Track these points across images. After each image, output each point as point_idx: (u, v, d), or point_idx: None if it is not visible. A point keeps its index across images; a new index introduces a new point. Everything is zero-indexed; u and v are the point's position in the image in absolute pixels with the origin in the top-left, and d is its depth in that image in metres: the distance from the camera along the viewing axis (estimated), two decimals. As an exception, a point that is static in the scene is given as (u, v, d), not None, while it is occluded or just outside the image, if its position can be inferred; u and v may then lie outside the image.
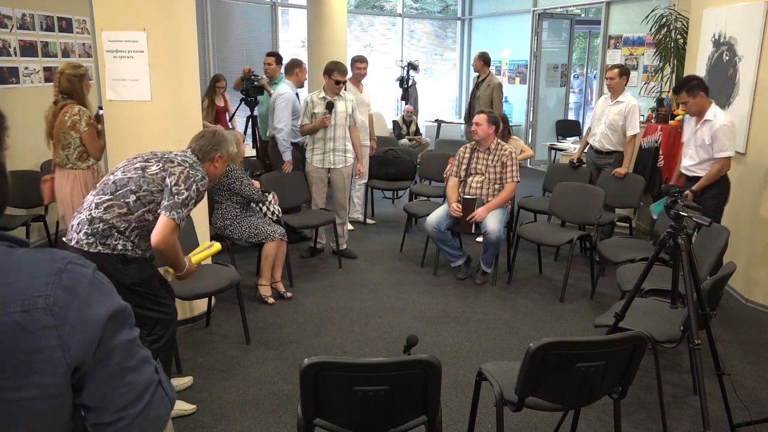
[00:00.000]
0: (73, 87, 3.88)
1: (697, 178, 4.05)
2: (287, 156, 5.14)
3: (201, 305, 3.89)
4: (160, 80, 3.43)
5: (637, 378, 3.17)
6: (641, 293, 3.22)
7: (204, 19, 7.89)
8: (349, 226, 5.76)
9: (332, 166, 4.96)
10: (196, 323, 3.87)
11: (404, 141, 8.42)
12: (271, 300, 4.21)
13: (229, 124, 6.50)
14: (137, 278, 2.60)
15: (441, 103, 11.22)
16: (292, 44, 9.56)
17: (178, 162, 2.59)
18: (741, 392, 3.12)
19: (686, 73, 5.41)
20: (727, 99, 4.47)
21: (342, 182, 5.04)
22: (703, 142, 3.95)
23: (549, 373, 2.03)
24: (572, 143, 8.26)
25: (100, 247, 2.49)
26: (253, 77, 5.69)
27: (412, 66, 8.94)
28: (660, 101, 5.55)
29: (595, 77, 10.14)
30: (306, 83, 5.67)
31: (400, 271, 4.92)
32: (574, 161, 5.50)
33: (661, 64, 6.27)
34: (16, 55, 5.13)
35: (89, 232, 2.50)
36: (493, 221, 4.39)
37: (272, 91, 5.85)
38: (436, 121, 9.87)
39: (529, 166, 9.67)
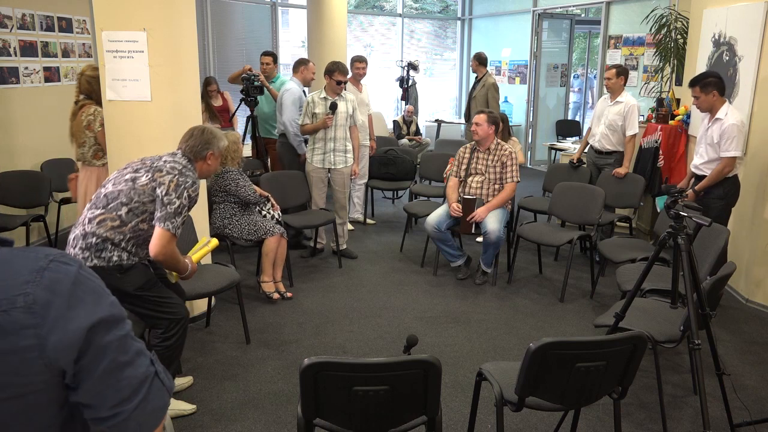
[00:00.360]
0: (92, 88, 3.97)
1: (705, 177, 4.05)
2: (302, 149, 5.29)
3: (201, 305, 3.89)
4: (160, 80, 3.43)
5: (637, 378, 3.18)
6: (641, 293, 3.23)
7: (204, 19, 7.90)
8: (349, 226, 5.76)
9: (332, 167, 4.96)
10: (196, 323, 3.87)
11: (404, 141, 8.43)
12: (276, 296, 4.22)
13: (230, 123, 6.49)
14: (139, 283, 2.62)
15: (441, 103, 11.22)
16: (292, 44, 9.56)
17: (167, 170, 2.58)
18: (741, 392, 3.12)
19: (686, 73, 5.41)
20: (727, 99, 4.46)
21: (342, 182, 5.04)
22: (713, 141, 3.94)
23: (549, 373, 2.03)
24: (572, 143, 8.27)
25: (95, 261, 2.52)
26: (253, 77, 5.69)
27: (412, 66, 8.95)
28: (660, 101, 5.55)
29: (595, 77, 10.15)
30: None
31: (400, 271, 4.92)
32: (574, 161, 5.50)
33: (661, 64, 6.27)
34: (16, 55, 5.13)
35: (83, 246, 2.52)
36: (493, 221, 4.40)
37: (272, 89, 5.88)
38: (436, 121, 9.87)
39: (529, 166, 9.68)
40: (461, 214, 4.46)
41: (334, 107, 4.80)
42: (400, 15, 10.57)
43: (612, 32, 8.17)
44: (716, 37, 4.67)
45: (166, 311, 2.70)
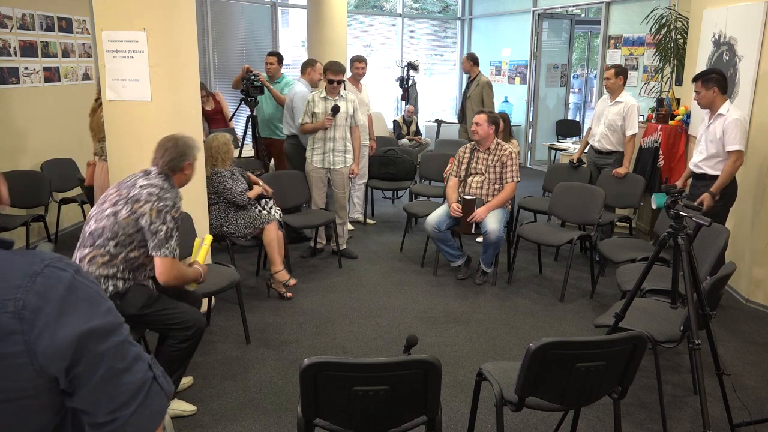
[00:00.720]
0: None
1: (704, 175, 4.03)
2: None
3: (201, 305, 3.88)
4: (160, 80, 3.43)
5: (637, 378, 3.18)
6: (641, 293, 3.23)
7: (204, 19, 7.90)
8: (349, 226, 5.76)
9: (332, 167, 4.96)
10: (196, 323, 3.87)
11: (404, 141, 8.43)
12: (292, 281, 4.23)
13: (228, 124, 6.48)
14: (139, 303, 2.62)
15: (441, 103, 11.22)
16: (292, 44, 9.56)
17: (144, 199, 2.54)
18: (741, 392, 3.12)
19: (686, 73, 5.41)
20: (728, 98, 4.46)
21: (342, 182, 5.04)
22: (715, 137, 3.93)
23: (549, 373, 2.03)
24: (572, 143, 8.27)
25: None
26: (252, 77, 5.68)
27: (412, 66, 8.95)
28: (660, 101, 5.55)
29: (595, 77, 10.15)
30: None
31: (400, 271, 4.92)
32: (574, 161, 5.50)
33: (661, 64, 6.27)
34: (16, 55, 5.13)
35: None
36: (493, 221, 4.40)
37: (272, 88, 5.87)
38: (436, 121, 9.87)
39: (529, 166, 9.68)
40: (461, 214, 4.46)
41: (336, 110, 4.80)
42: (400, 15, 10.57)
43: (612, 32, 8.17)
44: (716, 37, 4.67)
45: (176, 323, 2.70)
